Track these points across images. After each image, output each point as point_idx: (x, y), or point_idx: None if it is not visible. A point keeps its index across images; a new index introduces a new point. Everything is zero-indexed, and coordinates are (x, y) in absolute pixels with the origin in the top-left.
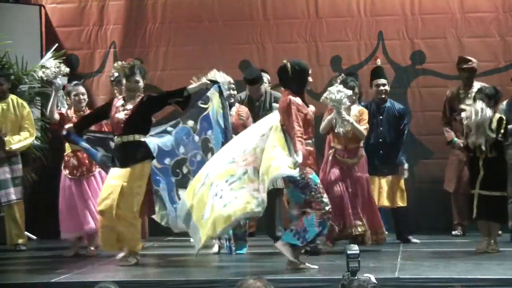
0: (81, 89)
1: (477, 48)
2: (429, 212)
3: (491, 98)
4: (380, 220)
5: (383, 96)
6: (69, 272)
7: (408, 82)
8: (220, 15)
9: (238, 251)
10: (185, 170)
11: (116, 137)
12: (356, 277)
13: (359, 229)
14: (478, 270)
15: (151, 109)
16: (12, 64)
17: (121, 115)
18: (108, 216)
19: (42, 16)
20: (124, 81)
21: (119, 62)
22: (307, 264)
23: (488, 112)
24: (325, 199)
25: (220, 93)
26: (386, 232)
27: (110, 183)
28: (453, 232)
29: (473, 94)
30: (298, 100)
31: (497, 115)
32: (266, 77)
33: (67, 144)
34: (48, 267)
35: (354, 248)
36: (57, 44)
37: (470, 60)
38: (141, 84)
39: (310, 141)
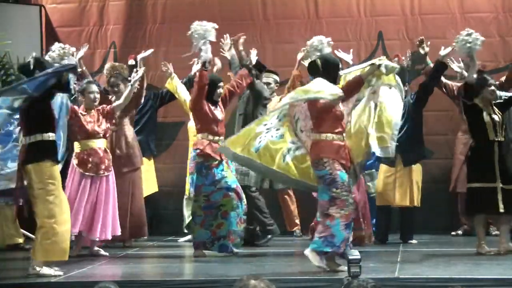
0: (95, 87)
1: None
2: (429, 212)
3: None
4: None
5: None
6: (69, 272)
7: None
8: (220, 15)
9: (236, 249)
10: None
11: None
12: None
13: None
14: (478, 270)
15: None
16: (12, 64)
17: None
18: None
19: (42, 16)
20: None
21: (109, 64)
22: (340, 267)
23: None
24: (351, 199)
25: None
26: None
27: None
28: (453, 232)
29: None
30: None
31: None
32: (273, 77)
33: (76, 143)
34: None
35: (355, 253)
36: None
37: None
38: None
39: (340, 135)
